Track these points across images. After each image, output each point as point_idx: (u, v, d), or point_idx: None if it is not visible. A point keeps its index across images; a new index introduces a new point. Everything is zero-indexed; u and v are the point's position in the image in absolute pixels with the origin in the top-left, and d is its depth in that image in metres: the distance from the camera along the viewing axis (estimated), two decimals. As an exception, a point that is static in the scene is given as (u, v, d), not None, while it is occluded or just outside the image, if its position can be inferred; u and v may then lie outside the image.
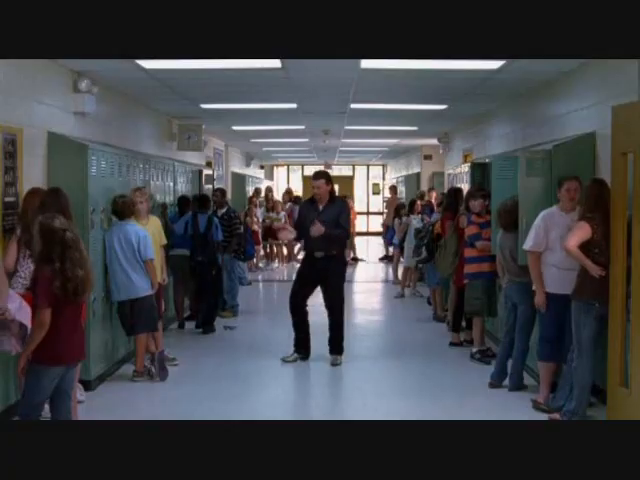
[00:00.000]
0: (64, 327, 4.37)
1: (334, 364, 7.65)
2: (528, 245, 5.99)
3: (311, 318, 7.89)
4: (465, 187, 9.91)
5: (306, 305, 7.83)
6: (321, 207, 7.71)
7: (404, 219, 12.67)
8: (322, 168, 10.00)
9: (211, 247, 9.27)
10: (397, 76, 8.02)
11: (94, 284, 4.64)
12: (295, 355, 7.78)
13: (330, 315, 7.79)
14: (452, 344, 8.57)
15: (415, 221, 11.77)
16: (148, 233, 7.11)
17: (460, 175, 11.18)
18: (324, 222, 7.50)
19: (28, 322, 4.56)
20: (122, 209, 7.00)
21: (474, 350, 7.84)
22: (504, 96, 9.38)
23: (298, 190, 26.19)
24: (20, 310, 4.54)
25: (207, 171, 12.62)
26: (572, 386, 5.71)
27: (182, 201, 9.67)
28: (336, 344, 7.78)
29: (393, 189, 19.01)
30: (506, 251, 6.68)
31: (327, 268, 7.61)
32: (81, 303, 4.54)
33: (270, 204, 17.28)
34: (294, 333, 7.83)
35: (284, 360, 7.71)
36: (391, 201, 17.64)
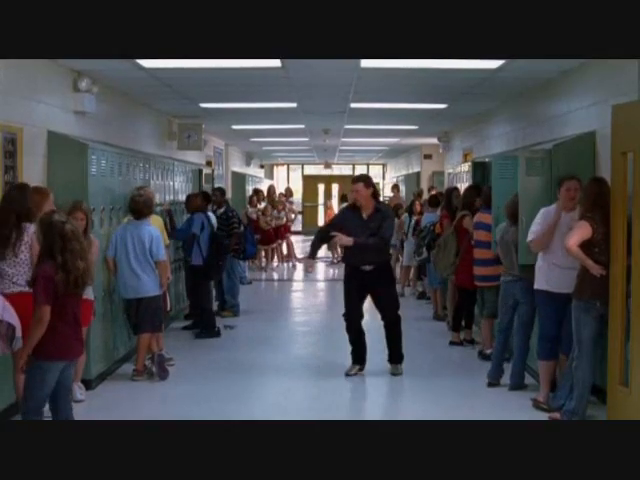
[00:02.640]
0: (66, 322, 4.38)
1: (396, 373, 7.21)
2: (531, 236, 5.97)
3: (318, 318, 7.77)
4: (463, 186, 9.93)
5: (361, 321, 7.27)
6: (365, 215, 7.03)
7: (402, 218, 12.67)
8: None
9: (208, 248, 8.99)
10: (397, 76, 8.02)
11: (94, 277, 4.65)
12: (356, 367, 7.24)
13: (388, 325, 7.26)
14: (452, 343, 8.58)
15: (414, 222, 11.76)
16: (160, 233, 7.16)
17: (460, 174, 11.18)
18: (370, 234, 6.92)
19: (14, 321, 4.57)
20: (142, 208, 7.00)
21: (489, 351, 7.73)
22: (504, 96, 9.38)
23: (298, 189, 26.18)
24: (5, 310, 4.55)
25: (207, 170, 12.62)
26: (572, 385, 5.71)
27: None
28: (397, 353, 7.29)
29: (396, 188, 18.83)
30: (512, 245, 6.66)
31: (375, 277, 7.05)
32: (80, 297, 4.54)
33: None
34: (352, 348, 7.28)
35: (347, 374, 7.18)
36: (393, 200, 17.57)
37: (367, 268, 7.01)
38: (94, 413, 5.87)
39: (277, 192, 18.70)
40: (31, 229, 5.28)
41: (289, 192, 19.59)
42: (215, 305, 10.33)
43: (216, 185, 12.93)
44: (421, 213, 11.68)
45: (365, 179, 7.15)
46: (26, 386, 4.49)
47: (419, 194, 14.57)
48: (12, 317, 4.58)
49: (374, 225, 6.95)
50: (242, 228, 10.45)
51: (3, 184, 5.78)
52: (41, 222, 4.43)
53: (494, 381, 6.83)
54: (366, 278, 7.03)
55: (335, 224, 7.32)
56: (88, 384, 6.56)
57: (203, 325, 9.08)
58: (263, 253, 16.07)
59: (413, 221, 11.80)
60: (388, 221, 7.12)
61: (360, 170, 29.88)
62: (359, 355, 7.26)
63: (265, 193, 17.31)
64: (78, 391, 6.25)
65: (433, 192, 13.68)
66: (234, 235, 9.96)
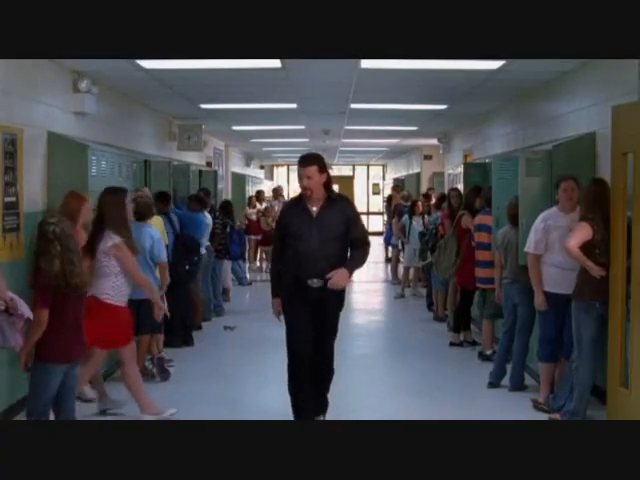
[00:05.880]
0: (67, 325, 4.41)
1: None
2: (530, 248, 5.99)
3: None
4: (460, 187, 9.96)
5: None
6: (315, 209, 5.34)
7: (403, 219, 12.68)
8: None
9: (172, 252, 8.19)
10: (397, 76, 8.02)
11: (86, 280, 4.64)
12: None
13: (320, 361, 5.57)
14: (452, 344, 8.58)
15: (416, 222, 11.78)
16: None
17: (460, 175, 11.21)
18: (323, 235, 5.27)
19: (30, 315, 4.58)
20: (144, 211, 6.94)
21: (489, 352, 7.75)
22: (504, 96, 9.38)
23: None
24: (20, 304, 4.56)
25: (204, 170, 12.63)
26: (572, 386, 5.71)
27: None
28: (324, 401, 5.71)
29: (396, 189, 18.69)
30: (512, 247, 6.65)
31: (323, 297, 5.32)
32: (80, 299, 4.55)
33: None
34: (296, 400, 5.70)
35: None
36: (394, 201, 17.49)
37: (315, 284, 5.29)
38: (94, 414, 5.86)
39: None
40: (113, 239, 5.50)
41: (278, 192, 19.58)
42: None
43: (219, 186, 12.98)
44: (422, 214, 11.69)
45: (320, 161, 5.34)
46: (30, 387, 4.52)
47: (410, 198, 14.48)
48: (28, 311, 4.60)
49: (328, 223, 5.29)
50: (228, 229, 10.46)
51: (3, 185, 5.78)
52: (38, 225, 4.48)
53: (496, 382, 6.83)
54: (310, 295, 5.32)
55: (282, 229, 5.52)
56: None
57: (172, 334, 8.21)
58: (264, 255, 16.07)
59: (414, 222, 11.81)
60: (353, 216, 5.43)
61: (360, 171, 29.89)
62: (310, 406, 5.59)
63: (272, 193, 17.37)
64: (90, 392, 6.23)
65: (432, 193, 13.70)
66: (215, 235, 9.91)
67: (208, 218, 9.52)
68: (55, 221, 4.43)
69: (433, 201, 12.08)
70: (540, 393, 6.18)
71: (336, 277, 5.21)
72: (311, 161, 5.31)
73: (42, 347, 4.39)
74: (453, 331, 8.71)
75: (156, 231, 7.08)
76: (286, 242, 5.39)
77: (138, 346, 7.15)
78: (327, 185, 5.33)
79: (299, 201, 5.42)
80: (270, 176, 29.00)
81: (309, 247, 5.24)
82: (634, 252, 5.20)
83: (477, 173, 9.76)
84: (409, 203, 13.22)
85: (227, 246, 10.41)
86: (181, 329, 8.52)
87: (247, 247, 14.34)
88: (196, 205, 9.39)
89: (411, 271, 12.56)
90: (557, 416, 5.75)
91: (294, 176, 29.41)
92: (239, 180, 17.48)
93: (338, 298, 5.44)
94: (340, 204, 5.39)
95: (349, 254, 5.41)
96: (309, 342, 5.43)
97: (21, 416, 5.59)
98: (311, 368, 5.50)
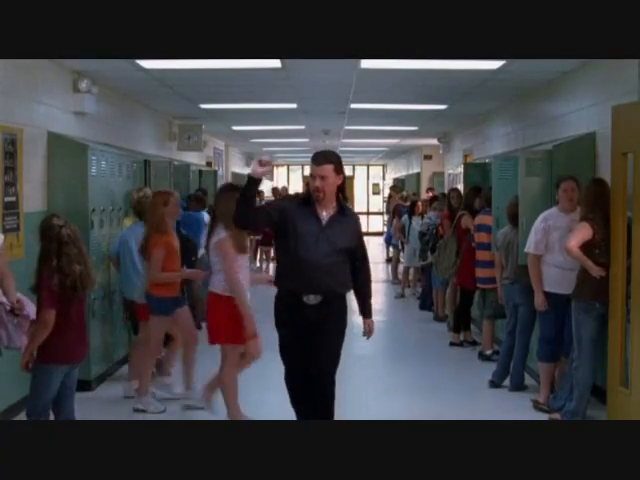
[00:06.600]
0: (69, 326, 4.41)
1: None
2: (530, 248, 5.99)
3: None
4: (460, 188, 9.97)
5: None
6: (325, 216, 4.63)
7: (402, 220, 12.69)
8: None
9: None
10: (397, 76, 8.02)
11: (95, 280, 4.66)
12: None
13: (319, 397, 4.92)
14: (452, 344, 8.58)
15: (415, 222, 11.78)
16: None
17: (460, 175, 11.21)
18: (330, 246, 4.60)
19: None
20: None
21: (489, 352, 7.76)
22: (504, 96, 9.38)
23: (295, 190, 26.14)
24: (27, 305, 4.57)
25: (206, 169, 12.61)
26: (572, 386, 5.71)
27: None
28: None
29: (395, 189, 18.69)
30: (513, 247, 6.65)
31: (321, 317, 4.69)
32: (83, 300, 4.56)
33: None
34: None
35: None
36: (393, 202, 17.49)
37: (311, 300, 4.67)
38: (94, 414, 5.86)
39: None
40: (220, 234, 5.49)
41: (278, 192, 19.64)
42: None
43: (219, 186, 12.97)
44: (422, 214, 11.69)
45: (336, 160, 4.63)
46: (31, 387, 4.51)
47: (410, 198, 14.47)
48: (33, 312, 4.61)
49: (337, 235, 4.63)
50: None
51: (3, 185, 5.78)
52: (40, 224, 4.48)
53: (498, 382, 6.82)
54: (308, 315, 4.67)
55: (282, 215, 4.63)
56: (88, 385, 6.56)
57: None
58: (264, 255, 16.07)
59: (414, 222, 11.81)
60: (362, 239, 4.90)
61: (360, 171, 29.85)
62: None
63: (272, 192, 17.39)
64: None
65: (431, 193, 13.72)
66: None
67: (207, 217, 9.55)
68: (63, 223, 4.43)
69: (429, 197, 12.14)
70: (540, 393, 6.18)
71: (370, 332, 5.22)
72: (327, 159, 4.59)
73: (45, 348, 4.38)
74: (453, 331, 8.71)
75: None
76: (284, 245, 4.68)
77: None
78: (341, 189, 4.67)
79: (306, 202, 4.66)
80: (270, 176, 28.99)
81: (313, 258, 4.56)
82: (634, 252, 5.20)
83: (477, 173, 9.78)
84: (408, 203, 13.25)
85: None
86: None
87: None
88: (197, 204, 9.42)
89: (411, 271, 12.56)
90: (557, 416, 5.75)
91: (294, 176, 29.46)
92: (239, 180, 17.50)
93: (339, 319, 4.83)
94: (351, 216, 4.81)
95: (354, 279, 4.90)
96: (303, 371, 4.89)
97: (21, 416, 5.60)
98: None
